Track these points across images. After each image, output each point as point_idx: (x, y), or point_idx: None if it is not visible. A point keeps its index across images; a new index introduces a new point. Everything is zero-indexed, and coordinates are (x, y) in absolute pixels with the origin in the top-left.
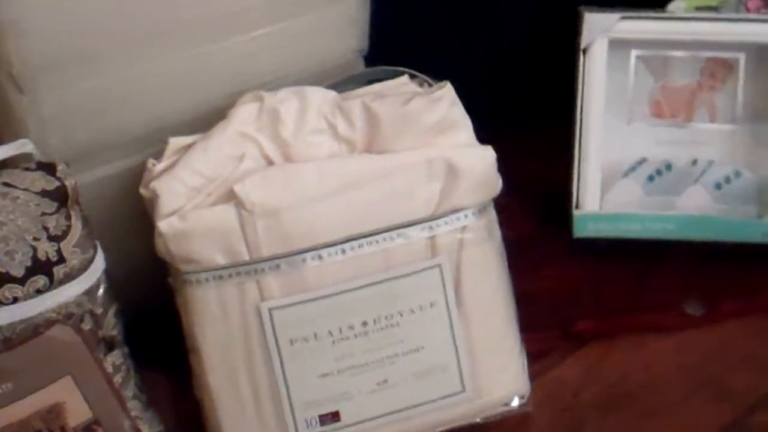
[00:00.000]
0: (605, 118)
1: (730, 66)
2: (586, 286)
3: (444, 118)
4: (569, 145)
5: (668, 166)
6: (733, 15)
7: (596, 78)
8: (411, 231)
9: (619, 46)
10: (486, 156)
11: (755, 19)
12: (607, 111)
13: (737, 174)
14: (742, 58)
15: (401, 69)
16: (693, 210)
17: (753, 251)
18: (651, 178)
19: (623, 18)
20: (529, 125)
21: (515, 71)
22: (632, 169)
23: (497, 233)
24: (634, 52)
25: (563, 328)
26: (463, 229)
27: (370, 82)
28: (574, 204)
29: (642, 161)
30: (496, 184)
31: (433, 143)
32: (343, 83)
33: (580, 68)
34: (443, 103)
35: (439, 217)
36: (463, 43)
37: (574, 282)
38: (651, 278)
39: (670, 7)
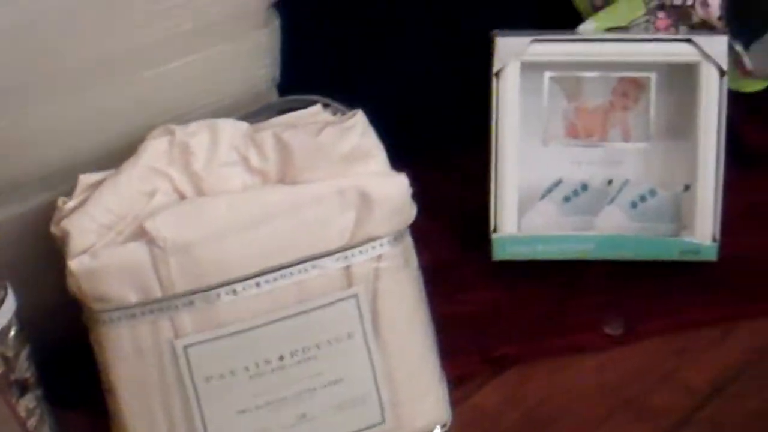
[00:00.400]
0: (521, 141)
1: (641, 85)
2: (506, 309)
3: (356, 147)
4: (487, 169)
5: (584, 187)
6: (642, 35)
7: (509, 101)
8: (326, 262)
9: (531, 68)
10: (399, 183)
11: (664, 38)
12: (522, 133)
13: (652, 192)
14: (653, 77)
15: (314, 98)
16: (610, 230)
17: (671, 269)
18: (567, 199)
19: (534, 41)
20: (449, 148)
21: (431, 94)
22: (549, 190)
23: (414, 260)
24: (547, 74)
25: (484, 353)
26: (379, 257)
27: (284, 111)
28: (492, 227)
29: (558, 182)
30: (411, 211)
31: (346, 173)
32: (256, 114)
33: (494, 92)
34: (355, 132)
35: (354, 247)
36: (378, 69)
37: (494, 306)
38: (571, 299)
39: (581, 28)
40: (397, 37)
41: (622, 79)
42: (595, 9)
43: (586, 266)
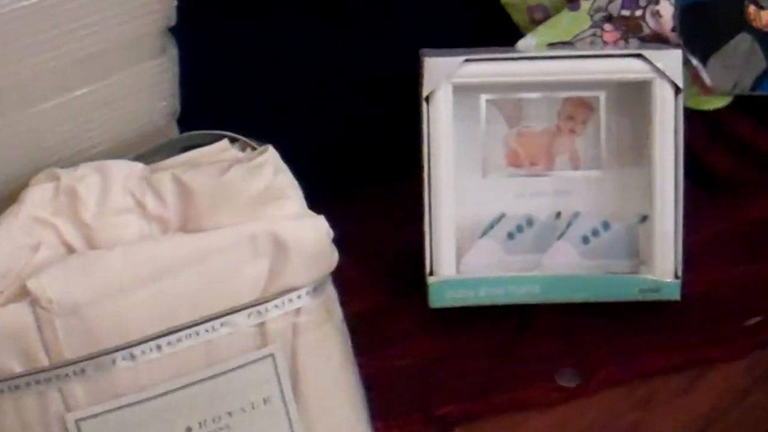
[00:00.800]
0: (457, 172)
1: (589, 106)
2: (447, 362)
3: (268, 187)
4: (420, 205)
5: (529, 221)
6: (588, 50)
7: (442, 128)
8: (237, 318)
9: (466, 91)
10: (318, 226)
11: (613, 54)
12: (458, 164)
13: (605, 225)
14: (601, 96)
15: (219, 132)
16: (560, 268)
17: (630, 310)
18: (511, 236)
19: (467, 61)
20: (379, 182)
21: (355, 123)
22: (490, 226)
23: (338, 312)
24: (483, 97)
25: (425, 412)
26: (298, 311)
27: (186, 149)
28: (427, 270)
29: (500, 217)
30: (332, 257)
31: (257, 216)
32: (153, 153)
33: (424, 118)
34: (266, 170)
35: (268, 300)
36: (294, 97)
37: (434, 358)
38: (519, 348)
39: (520, 45)
40: (317, 62)
41: (567, 100)
42: (535, 23)
43: (535, 310)
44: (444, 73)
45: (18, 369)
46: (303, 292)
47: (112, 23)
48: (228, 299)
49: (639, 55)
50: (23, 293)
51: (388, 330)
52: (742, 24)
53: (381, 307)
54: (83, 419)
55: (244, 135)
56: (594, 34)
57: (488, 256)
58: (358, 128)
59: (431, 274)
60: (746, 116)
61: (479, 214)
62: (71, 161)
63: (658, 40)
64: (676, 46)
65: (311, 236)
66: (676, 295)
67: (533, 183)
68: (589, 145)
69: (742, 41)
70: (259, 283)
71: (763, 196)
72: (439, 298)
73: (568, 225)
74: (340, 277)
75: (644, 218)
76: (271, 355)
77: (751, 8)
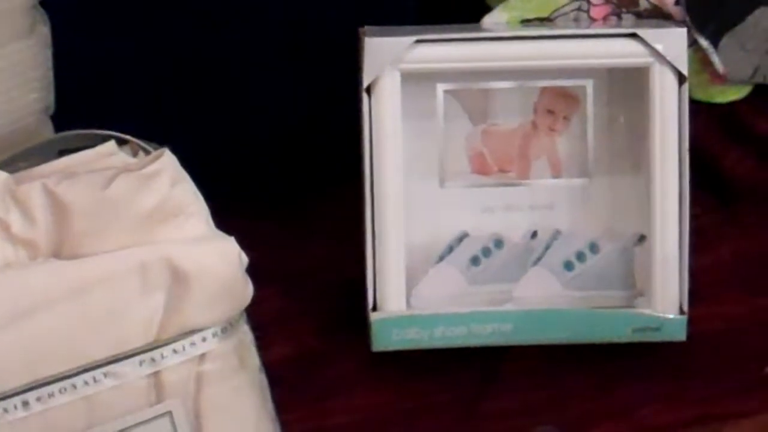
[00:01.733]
0: (407, 181)
1: (573, 98)
2: (394, 417)
3: (163, 202)
4: (361, 221)
5: (498, 243)
6: (572, 29)
7: (388, 125)
8: (124, 367)
9: (418, 79)
10: (227, 251)
11: (602, 33)
12: (409, 170)
13: (593, 248)
14: (588, 86)
15: (104, 132)
16: (536, 302)
17: (623, 353)
18: (475, 261)
19: (420, 41)
20: (309, 194)
21: (279, 118)
22: (450, 249)
23: (254, 359)
24: (440, 87)
25: None
26: (202, 358)
27: (63, 153)
28: (370, 305)
29: (462, 237)
30: (245, 289)
31: (150, 239)
32: (20, 158)
33: (365, 113)
34: (161, 180)
35: (164, 345)
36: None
37: (379, 416)
38: (484, 402)
39: (486, 21)
40: (228, 37)
41: (546, 91)
42: None
43: (505, 354)
44: (389, 57)
45: None
46: (208, 333)
47: None
48: (113, 343)
49: (634, 35)
50: None
51: (320, 380)
52: None
53: (311, 351)
54: None
55: (135, 135)
56: (579, 9)
57: (447, 287)
58: (279, 123)
59: (375, 309)
60: None
61: (435, 233)
62: None
63: (659, 15)
64: (681, 23)
65: (218, 263)
66: (681, 335)
67: (503, 194)
68: (574, 147)
69: (763, 17)
70: (152, 323)
71: None
72: (384, 340)
73: (547, 247)
74: (257, 313)
75: (642, 238)
76: (169, 413)
77: None
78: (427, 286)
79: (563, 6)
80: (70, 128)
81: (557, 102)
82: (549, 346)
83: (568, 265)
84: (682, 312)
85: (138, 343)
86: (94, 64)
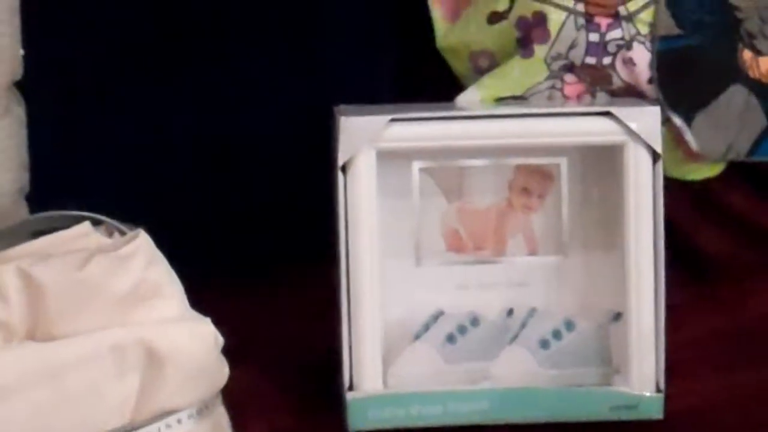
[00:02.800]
0: (383, 259)
1: (548, 176)
2: None
3: (138, 283)
4: (336, 299)
5: (474, 321)
6: (546, 107)
7: (364, 203)
8: None
9: (393, 158)
10: (203, 333)
11: (576, 112)
12: (385, 248)
13: (569, 325)
14: (563, 164)
15: (79, 213)
16: (513, 380)
17: (599, 431)
18: (452, 339)
19: (395, 120)
20: (287, 271)
21: (255, 197)
22: (426, 327)
23: None
24: (416, 165)
25: None
26: None
27: (37, 234)
28: (346, 384)
29: (438, 315)
30: (221, 371)
31: (125, 321)
32: None
33: (340, 192)
34: (136, 262)
35: (139, 427)
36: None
37: None
38: None
39: (460, 99)
40: (203, 118)
41: (521, 169)
42: (479, 72)
43: None
44: (365, 136)
45: None
46: (184, 415)
47: None
48: (87, 426)
49: (608, 113)
50: None
51: None
52: (735, 73)
53: (287, 430)
54: None
55: (110, 216)
56: (552, 87)
57: (423, 365)
58: (257, 202)
59: (351, 388)
60: (743, 187)
61: (411, 311)
62: None
63: (632, 93)
64: (654, 101)
65: (193, 345)
66: (658, 413)
67: (479, 272)
68: (549, 225)
69: (736, 95)
70: (127, 405)
71: (766, 284)
72: (360, 419)
73: (523, 325)
74: (233, 394)
75: (617, 316)
76: None
77: (746, 54)
78: (403, 364)
79: (537, 84)
80: (44, 209)
81: (532, 180)
82: (526, 425)
83: (545, 343)
84: (658, 390)
85: (113, 425)
86: (69, 146)
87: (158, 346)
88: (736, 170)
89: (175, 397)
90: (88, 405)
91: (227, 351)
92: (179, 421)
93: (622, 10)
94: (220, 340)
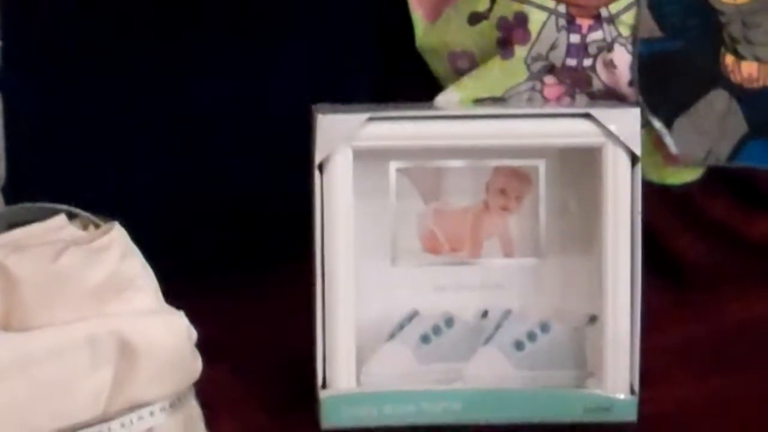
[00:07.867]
0: (359, 258)
1: (525, 178)
2: None
3: (112, 275)
4: (311, 296)
5: (449, 321)
6: (525, 109)
7: (340, 203)
8: None
9: (370, 157)
10: (176, 326)
11: (555, 113)
12: (360, 248)
13: (544, 327)
14: (541, 166)
15: (54, 206)
16: (486, 381)
17: None
18: (426, 339)
19: (372, 119)
20: (260, 270)
21: (231, 195)
22: (400, 327)
23: None
24: (393, 165)
25: None
26: None
27: (12, 226)
28: (319, 382)
29: (413, 316)
30: (194, 364)
31: (98, 312)
32: None
33: (317, 191)
34: (111, 254)
35: (111, 419)
36: (150, 161)
37: None
38: None
39: (439, 100)
40: (183, 113)
41: (498, 170)
42: (458, 73)
43: None
44: (342, 135)
45: None
46: (156, 408)
47: None
48: (61, 417)
49: (587, 115)
50: None
51: None
52: (717, 77)
53: (260, 428)
54: None
55: (85, 209)
56: (532, 89)
57: (397, 365)
58: (231, 198)
59: (324, 386)
60: (722, 193)
61: (386, 311)
62: None
63: (612, 96)
64: (634, 104)
65: (167, 338)
66: (631, 416)
67: (454, 273)
68: (526, 227)
69: (717, 99)
70: (100, 396)
71: (743, 292)
72: (333, 417)
73: (498, 327)
74: (206, 389)
75: (593, 319)
76: None
77: (729, 58)
78: (377, 364)
79: (517, 86)
80: (20, 202)
81: (510, 182)
82: (499, 426)
83: (519, 345)
84: (632, 392)
85: (85, 416)
86: (45, 138)
87: (132, 338)
88: (716, 176)
89: (148, 389)
90: (61, 396)
91: (202, 349)
92: (151, 414)
93: (603, 11)
94: (194, 333)
